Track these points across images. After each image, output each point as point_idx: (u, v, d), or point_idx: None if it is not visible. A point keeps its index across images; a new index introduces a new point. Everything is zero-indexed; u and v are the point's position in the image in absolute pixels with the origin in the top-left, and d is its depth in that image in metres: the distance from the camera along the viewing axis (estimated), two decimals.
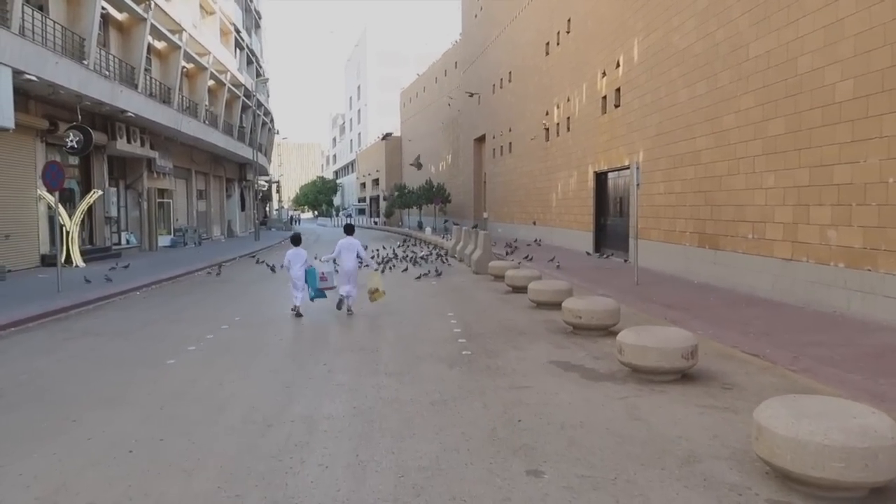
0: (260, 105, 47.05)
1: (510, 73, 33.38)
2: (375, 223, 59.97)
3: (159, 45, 27.49)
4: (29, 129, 17.98)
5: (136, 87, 22.82)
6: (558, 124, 25.79)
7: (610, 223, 21.26)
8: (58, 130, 18.70)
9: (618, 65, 19.55)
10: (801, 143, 10.65)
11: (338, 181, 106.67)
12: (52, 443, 4.78)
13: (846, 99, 9.55)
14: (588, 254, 21.77)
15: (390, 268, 18.10)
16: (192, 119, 29.22)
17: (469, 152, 43.44)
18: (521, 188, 31.27)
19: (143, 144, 24.92)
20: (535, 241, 27.32)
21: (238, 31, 40.84)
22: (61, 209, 18.70)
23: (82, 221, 21.29)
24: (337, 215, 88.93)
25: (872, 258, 9.07)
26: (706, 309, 10.50)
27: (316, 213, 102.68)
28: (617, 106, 19.65)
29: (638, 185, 13.89)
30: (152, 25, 23.94)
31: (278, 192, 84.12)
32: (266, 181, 59.46)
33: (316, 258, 11.75)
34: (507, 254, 22.21)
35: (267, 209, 68.18)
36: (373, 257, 12.20)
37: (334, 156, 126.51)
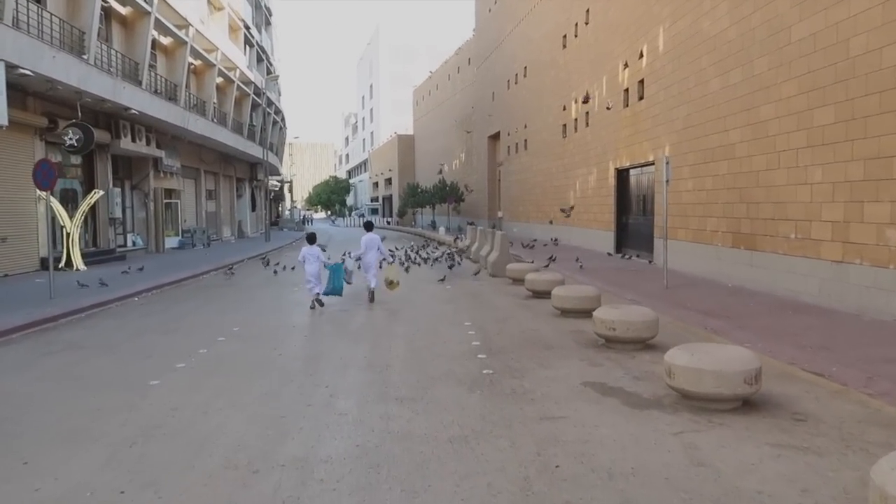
0: (270, 103, 46.31)
1: (525, 67, 32.39)
2: (388, 222, 58.98)
3: (165, 40, 26.76)
4: (27, 126, 17.28)
5: (139, 83, 22.08)
6: (576, 119, 24.80)
7: (632, 222, 20.26)
8: (57, 128, 17.99)
9: (641, 55, 18.54)
10: (854, 134, 9.64)
11: (350, 181, 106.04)
12: None
13: None
14: (609, 254, 20.79)
15: (406, 269, 17.24)
16: (199, 117, 28.48)
17: (483, 150, 42.48)
18: (538, 186, 30.28)
19: (148, 143, 24.21)
20: (553, 240, 26.35)
21: (248, 28, 40.09)
22: (61, 210, 18.03)
23: (85, 223, 20.63)
24: (350, 215, 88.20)
25: None
26: (749, 317, 9.52)
27: (329, 212, 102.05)
28: (641, 98, 18.64)
29: (668, 180, 12.90)
30: (157, 20, 23.21)
31: (290, 191, 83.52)
32: (278, 181, 58.75)
33: (347, 255, 14.09)
34: (528, 247, 21.23)
35: (280, 209, 67.56)
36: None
37: (347, 155, 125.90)
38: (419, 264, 19.48)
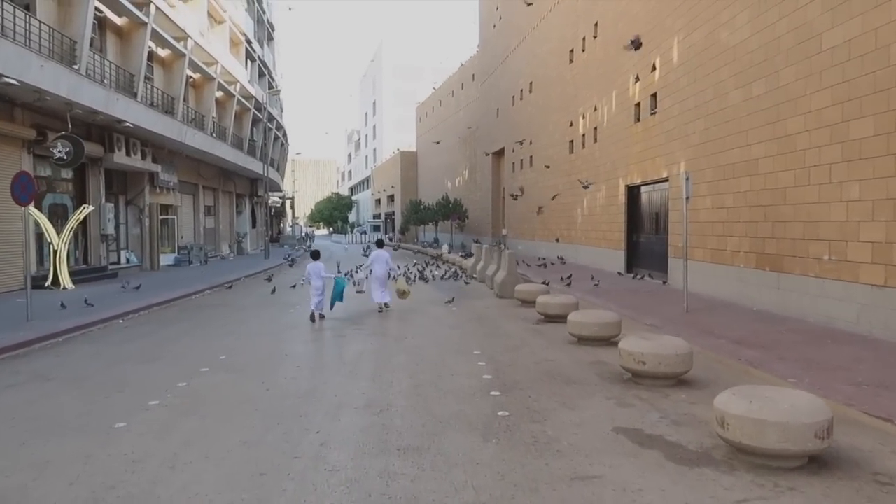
0: (272, 119, 45.73)
1: (531, 83, 31.77)
2: (391, 239, 58.01)
3: (163, 52, 26.14)
4: (14, 138, 16.56)
5: (134, 95, 21.41)
6: (584, 135, 24.08)
7: (644, 241, 19.43)
8: (46, 140, 17.26)
9: (654, 68, 17.84)
10: None
11: (353, 197, 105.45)
12: None
13: None
14: (619, 274, 19.95)
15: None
16: (198, 131, 27.79)
17: (487, 167, 41.79)
18: (543, 203, 29.52)
19: (144, 157, 23.49)
20: (559, 258, 25.53)
21: (249, 42, 39.57)
22: (48, 225, 17.25)
23: (75, 239, 19.85)
24: (351, 231, 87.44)
25: None
26: (785, 346, 8.67)
27: (331, 229, 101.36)
28: (653, 113, 17.91)
29: (688, 198, 12.10)
30: (155, 31, 22.59)
31: (292, 208, 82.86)
32: (280, 197, 58.03)
33: (357, 270, 16.49)
34: (540, 266, 20.43)
35: (281, 226, 66.78)
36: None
37: (350, 172, 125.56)
38: (427, 281, 19.22)
